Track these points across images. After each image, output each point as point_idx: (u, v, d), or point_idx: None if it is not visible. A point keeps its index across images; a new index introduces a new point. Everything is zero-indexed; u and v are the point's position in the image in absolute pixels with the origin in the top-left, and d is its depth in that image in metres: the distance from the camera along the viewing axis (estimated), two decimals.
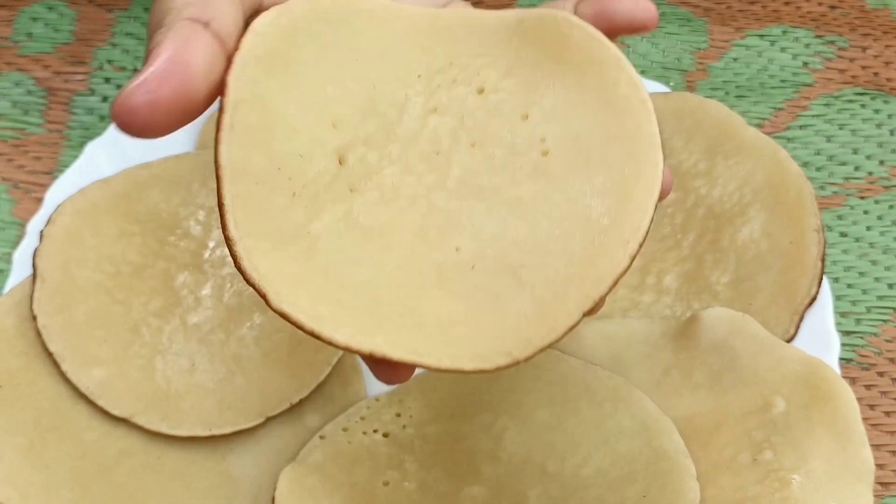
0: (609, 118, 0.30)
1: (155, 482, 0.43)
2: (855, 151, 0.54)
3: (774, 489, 0.39)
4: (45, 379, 0.44)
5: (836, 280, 0.50)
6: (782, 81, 0.56)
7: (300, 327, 0.27)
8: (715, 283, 0.47)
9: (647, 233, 0.29)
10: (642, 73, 0.55)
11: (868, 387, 0.48)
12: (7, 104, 0.54)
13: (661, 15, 0.57)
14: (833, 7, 0.58)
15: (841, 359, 0.46)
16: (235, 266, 0.27)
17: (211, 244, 0.48)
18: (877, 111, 0.55)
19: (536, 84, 0.31)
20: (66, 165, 0.51)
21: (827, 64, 0.56)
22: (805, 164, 0.53)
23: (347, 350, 0.27)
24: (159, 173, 0.49)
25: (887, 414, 0.47)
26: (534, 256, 0.29)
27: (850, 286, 0.50)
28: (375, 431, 0.44)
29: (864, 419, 0.40)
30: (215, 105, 0.28)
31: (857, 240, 0.51)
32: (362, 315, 0.28)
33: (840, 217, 0.52)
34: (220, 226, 0.47)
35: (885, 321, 0.49)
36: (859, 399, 0.41)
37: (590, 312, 0.29)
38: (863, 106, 0.55)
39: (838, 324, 0.48)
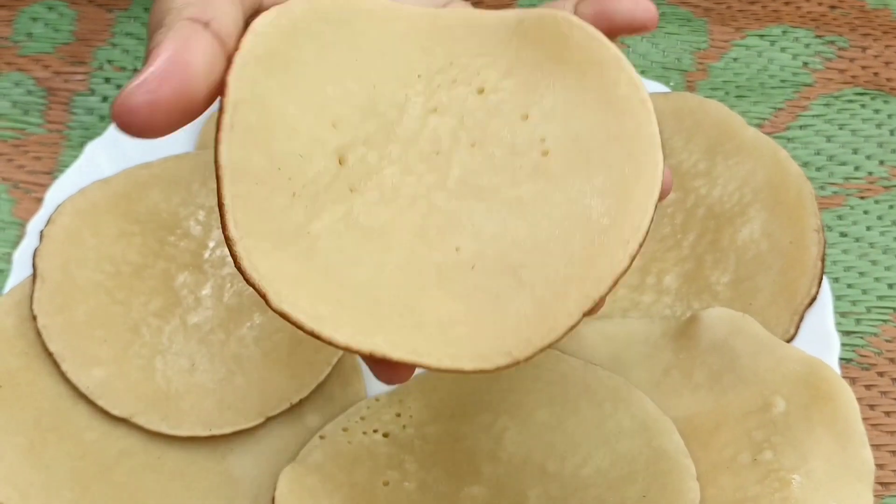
0: (609, 118, 0.30)
1: (155, 482, 0.43)
2: (855, 151, 0.54)
3: (774, 489, 0.39)
4: (45, 379, 0.44)
5: (836, 280, 0.50)
6: (782, 81, 0.56)
7: (300, 327, 0.27)
8: (715, 283, 0.47)
9: (647, 233, 0.29)
10: (642, 73, 0.55)
11: (868, 387, 0.48)
12: (7, 104, 0.54)
13: (661, 15, 0.57)
14: (833, 7, 0.58)
15: (841, 359, 0.46)
16: (235, 266, 0.27)
17: (211, 244, 0.48)
18: (877, 111, 0.55)
19: (536, 84, 0.31)
20: (66, 165, 0.51)
21: (827, 64, 0.56)
22: (805, 164, 0.53)
23: (347, 350, 0.27)
24: (159, 173, 0.49)
25: (887, 414, 0.47)
26: (534, 256, 0.29)
27: (850, 286, 0.50)
28: (375, 431, 0.44)
29: (864, 419, 0.40)
30: (215, 105, 0.28)
31: (857, 240, 0.51)
32: (362, 315, 0.28)
33: (840, 217, 0.52)
34: (220, 226, 0.47)
35: (885, 321, 0.49)
36: (859, 399, 0.41)
37: (590, 312, 0.29)
38: (863, 106, 0.55)
39: (838, 324, 0.48)
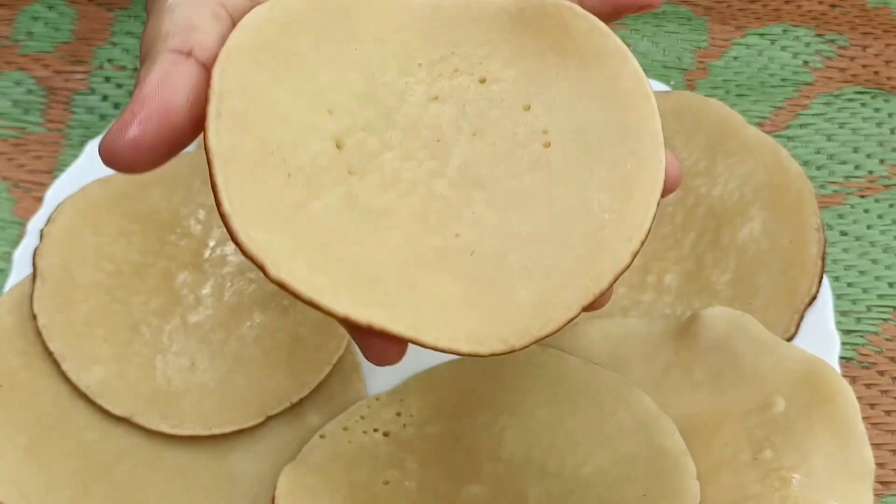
0: (612, 112, 0.30)
1: (155, 481, 0.43)
2: (855, 150, 0.54)
3: (775, 488, 0.39)
4: (45, 378, 0.44)
5: (836, 279, 0.50)
6: (783, 80, 0.56)
7: (298, 297, 0.27)
8: (715, 282, 0.47)
9: (650, 230, 0.29)
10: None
11: (868, 385, 0.48)
12: (7, 103, 0.54)
13: (661, 14, 0.57)
14: (833, 6, 0.58)
15: (841, 357, 0.46)
16: (233, 241, 0.27)
17: (211, 243, 0.48)
18: (877, 110, 0.55)
19: (539, 74, 0.31)
20: (67, 164, 0.51)
21: (827, 63, 0.56)
22: (805, 163, 0.53)
23: (345, 321, 0.27)
24: (159, 172, 0.47)
25: (888, 413, 0.47)
26: (533, 248, 0.29)
27: (850, 285, 0.50)
28: (376, 430, 0.44)
29: (865, 418, 0.40)
30: None
31: (858, 238, 0.51)
32: (361, 289, 0.28)
33: (840, 216, 0.52)
34: (220, 225, 0.47)
35: (885, 320, 0.49)
36: (860, 398, 0.41)
37: (592, 308, 0.29)
38: (863, 105, 0.55)
39: (839, 322, 0.48)
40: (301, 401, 0.44)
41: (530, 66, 0.31)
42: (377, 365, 0.29)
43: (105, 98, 0.54)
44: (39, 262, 0.46)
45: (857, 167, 0.53)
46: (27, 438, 0.43)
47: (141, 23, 0.56)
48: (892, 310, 0.49)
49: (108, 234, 0.47)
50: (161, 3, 0.30)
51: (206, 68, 0.28)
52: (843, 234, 0.51)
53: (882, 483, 0.45)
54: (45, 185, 0.50)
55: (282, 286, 0.27)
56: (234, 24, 0.29)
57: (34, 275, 0.46)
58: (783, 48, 0.57)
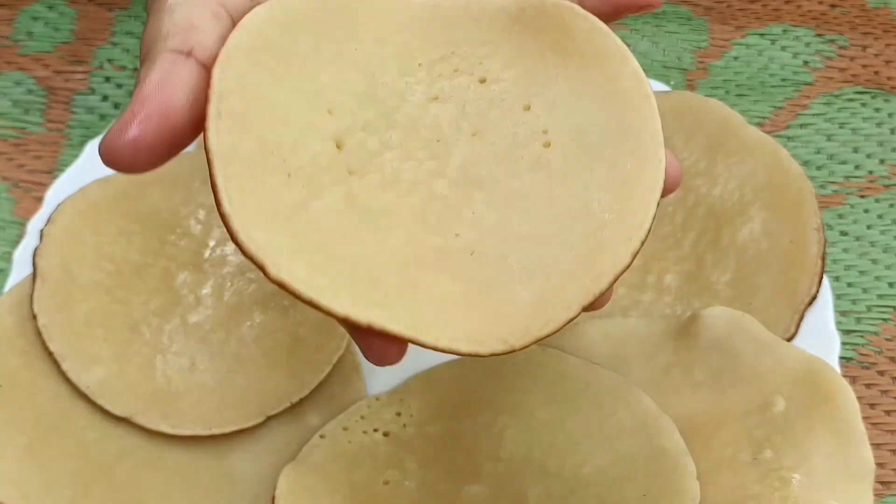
0: (612, 112, 0.30)
1: (155, 481, 0.43)
2: (855, 150, 0.53)
3: (775, 488, 0.39)
4: (45, 378, 0.44)
5: (836, 279, 0.50)
6: (783, 80, 0.56)
7: (298, 297, 0.27)
8: (715, 282, 0.47)
9: (650, 231, 0.29)
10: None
11: (868, 385, 0.48)
12: (7, 103, 0.54)
13: (661, 14, 0.57)
14: (833, 6, 0.58)
15: (841, 357, 0.46)
16: (233, 241, 0.27)
17: (211, 243, 0.48)
18: (877, 110, 0.55)
19: (539, 74, 0.31)
20: (67, 164, 0.51)
21: (827, 63, 0.56)
22: (805, 163, 0.53)
23: (346, 321, 0.27)
24: (159, 172, 0.47)
25: (888, 413, 0.47)
26: (533, 248, 0.29)
27: (850, 285, 0.50)
28: (376, 430, 0.44)
29: (865, 418, 0.40)
30: None
31: (858, 238, 0.51)
32: (361, 289, 0.28)
33: (840, 216, 0.52)
34: (220, 225, 0.47)
35: (885, 320, 0.49)
36: (860, 398, 0.41)
37: (592, 307, 0.29)
38: (863, 104, 0.55)
39: (839, 322, 0.48)
40: (301, 401, 0.44)
41: (530, 66, 0.31)
42: (377, 365, 0.29)
43: (105, 98, 0.54)
44: (39, 262, 0.46)
45: (857, 167, 0.53)
46: (27, 438, 0.43)
47: (141, 23, 0.56)
48: (892, 310, 0.49)
49: (108, 234, 0.47)
50: (161, 2, 0.30)
51: (206, 68, 0.28)
52: (843, 234, 0.51)
53: (882, 483, 0.45)
54: (45, 185, 0.50)
55: (282, 286, 0.27)
56: (234, 24, 0.29)
57: (34, 275, 0.46)
58: (783, 48, 0.57)
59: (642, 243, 0.29)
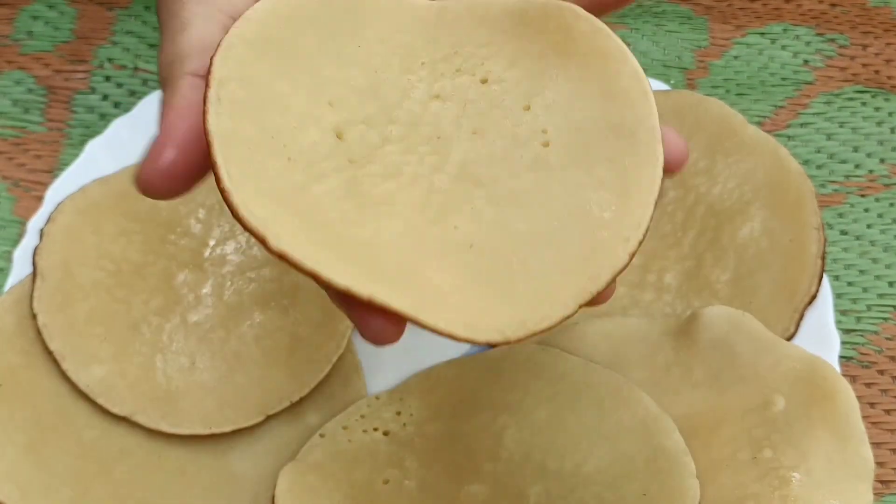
0: (610, 109, 0.30)
1: (155, 480, 0.43)
2: (855, 149, 0.53)
3: (774, 487, 0.39)
4: (45, 377, 0.44)
5: (836, 278, 0.50)
6: (783, 79, 0.56)
7: (299, 268, 0.26)
8: (715, 281, 0.47)
9: (648, 230, 0.29)
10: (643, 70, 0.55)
11: (868, 385, 0.48)
12: (7, 102, 0.54)
13: (661, 13, 0.57)
14: (834, 5, 0.58)
15: (841, 357, 0.46)
16: (233, 216, 0.27)
17: (211, 242, 0.48)
18: (877, 109, 0.55)
19: (540, 75, 0.31)
20: (67, 164, 0.51)
21: (827, 62, 0.56)
22: (805, 162, 0.53)
23: (346, 293, 0.26)
24: None
25: (887, 412, 0.47)
26: (532, 246, 0.29)
27: (850, 284, 0.50)
28: (376, 430, 0.44)
29: (865, 417, 0.40)
30: None
31: (858, 238, 0.51)
32: (362, 266, 0.27)
33: (840, 215, 0.52)
34: (220, 224, 0.47)
35: (885, 319, 0.49)
36: (859, 397, 0.41)
37: (594, 302, 0.29)
38: (863, 104, 0.55)
39: (838, 322, 0.48)
40: (301, 400, 0.44)
41: (532, 68, 0.31)
42: (374, 344, 0.28)
43: (105, 97, 0.54)
44: (39, 261, 0.46)
45: (857, 166, 0.53)
46: (27, 437, 0.43)
47: (142, 22, 0.56)
48: (892, 309, 0.49)
49: (108, 234, 0.47)
50: (173, 21, 0.30)
51: None
52: (843, 233, 0.51)
53: (882, 482, 0.45)
54: (45, 185, 0.50)
55: (282, 258, 0.26)
56: None
57: (34, 274, 0.46)
58: (783, 47, 0.57)
59: (640, 243, 0.29)
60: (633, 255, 0.29)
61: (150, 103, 0.51)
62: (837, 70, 0.56)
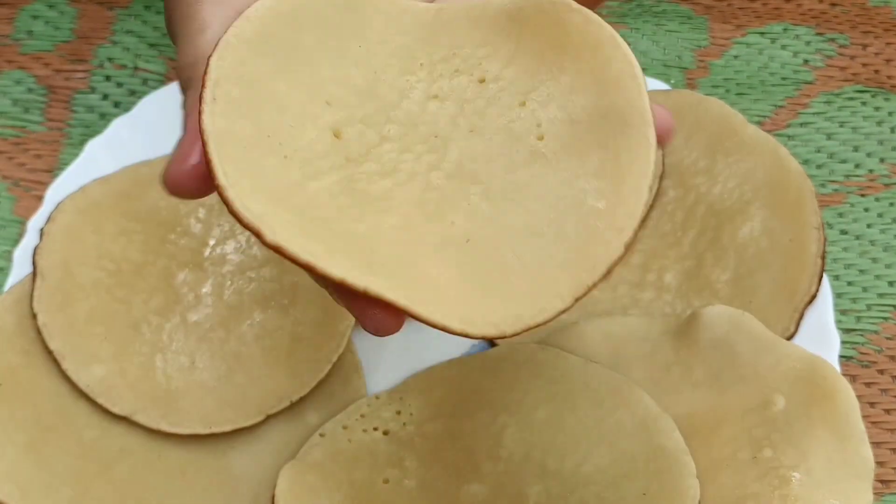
0: (601, 96, 0.31)
1: (155, 480, 0.43)
2: (855, 149, 0.53)
3: (774, 486, 0.39)
4: (45, 377, 0.44)
5: (836, 278, 0.50)
6: (783, 79, 0.56)
7: (294, 260, 0.26)
8: (715, 281, 0.47)
9: (641, 220, 0.29)
10: (643, 70, 0.55)
11: (868, 384, 0.48)
12: (7, 102, 0.54)
13: (661, 12, 0.57)
14: (834, 4, 0.58)
15: (841, 356, 0.45)
16: (229, 211, 0.27)
17: (211, 242, 0.48)
18: (877, 108, 0.55)
19: (536, 71, 0.32)
20: (67, 163, 0.51)
21: (827, 61, 0.56)
22: (805, 162, 0.53)
23: (342, 284, 0.26)
24: (159, 171, 0.48)
25: (887, 411, 0.47)
26: (528, 240, 0.29)
27: (850, 284, 0.50)
28: (375, 429, 0.44)
29: (864, 417, 0.40)
30: None
31: (858, 237, 0.51)
32: (358, 259, 0.27)
33: (840, 214, 0.52)
34: (220, 224, 0.47)
35: (885, 319, 0.49)
36: (859, 396, 0.41)
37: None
38: (863, 103, 0.55)
39: (838, 321, 0.48)
40: (301, 399, 0.44)
41: (528, 64, 0.32)
42: (375, 335, 0.28)
43: (105, 97, 0.54)
44: (39, 260, 0.46)
45: (857, 166, 0.53)
46: (27, 437, 0.43)
47: (142, 21, 0.56)
48: (892, 308, 0.49)
49: (108, 233, 0.47)
50: (191, 22, 0.31)
51: None
52: (843, 232, 0.51)
53: (882, 482, 0.45)
54: (45, 184, 0.50)
55: (278, 250, 0.26)
56: None
57: (34, 273, 0.46)
58: (783, 47, 0.57)
59: (635, 232, 0.29)
60: (628, 245, 0.29)
61: (150, 103, 0.51)
62: (837, 70, 0.56)
